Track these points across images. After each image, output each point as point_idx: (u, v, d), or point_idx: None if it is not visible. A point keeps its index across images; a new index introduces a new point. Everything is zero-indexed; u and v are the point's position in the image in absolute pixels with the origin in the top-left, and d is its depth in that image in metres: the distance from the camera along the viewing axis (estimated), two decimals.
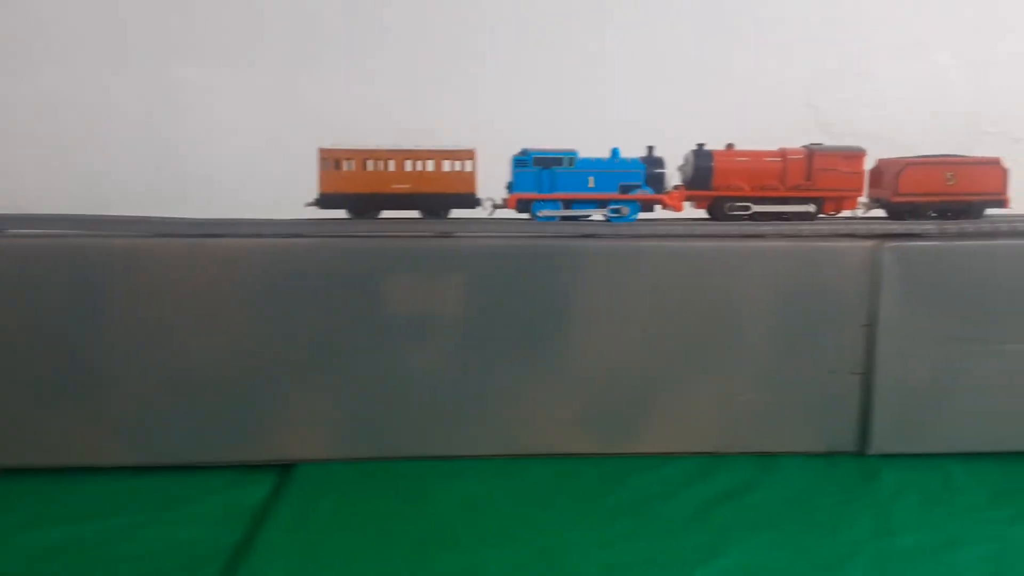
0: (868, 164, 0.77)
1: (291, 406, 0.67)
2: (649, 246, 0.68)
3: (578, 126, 1.11)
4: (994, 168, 0.74)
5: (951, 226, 0.70)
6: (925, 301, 0.68)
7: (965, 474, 0.66)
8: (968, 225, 0.71)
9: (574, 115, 1.13)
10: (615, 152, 0.73)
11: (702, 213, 0.76)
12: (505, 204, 0.72)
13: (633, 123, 1.11)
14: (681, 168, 0.75)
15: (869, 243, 0.68)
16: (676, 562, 0.53)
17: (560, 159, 0.71)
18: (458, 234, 0.68)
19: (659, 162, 0.73)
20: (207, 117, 1.09)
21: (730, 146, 0.75)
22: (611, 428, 0.70)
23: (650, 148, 0.74)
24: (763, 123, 1.13)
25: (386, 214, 0.73)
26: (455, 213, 0.73)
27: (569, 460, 0.68)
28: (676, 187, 0.74)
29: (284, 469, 0.66)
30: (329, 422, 0.67)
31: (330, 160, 0.71)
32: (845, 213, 0.75)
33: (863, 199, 0.76)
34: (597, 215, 0.72)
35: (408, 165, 0.71)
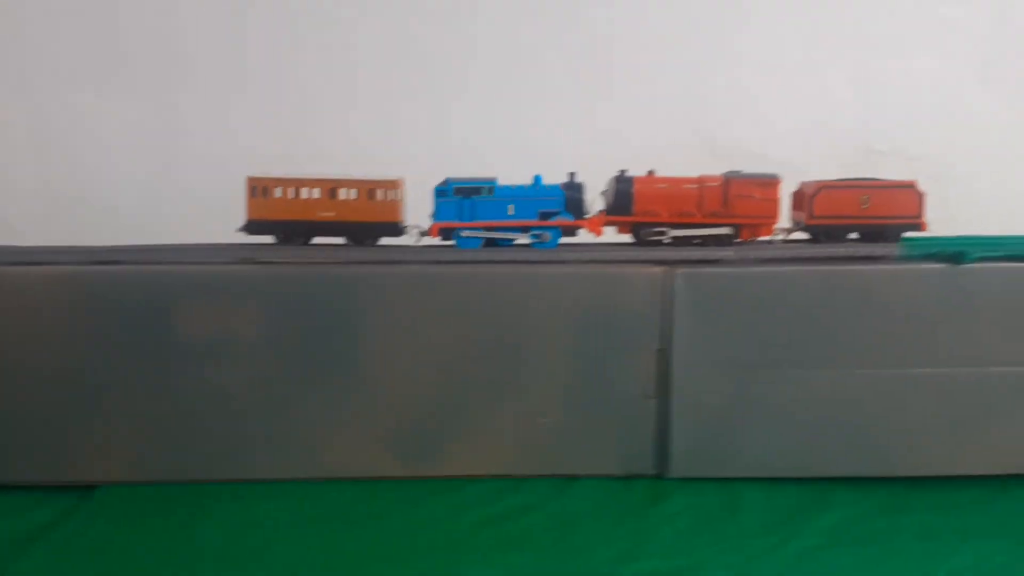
0: (786, 190, 0.78)
1: (94, 428, 0.69)
2: (446, 271, 0.70)
3: (504, 151, 1.14)
4: (910, 191, 0.75)
5: (750, 252, 0.71)
6: (718, 326, 0.70)
7: (754, 499, 0.68)
8: (766, 251, 0.71)
9: (498, 141, 1.15)
10: (537, 179, 0.75)
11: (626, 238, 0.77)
12: (429, 232, 0.74)
13: (542, 149, 1.14)
14: (603, 194, 0.77)
15: (660, 269, 0.69)
16: None
17: (479, 188, 0.74)
18: (259, 259, 0.70)
19: (579, 188, 0.75)
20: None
21: (651, 172, 0.77)
22: (415, 451, 0.71)
23: (571, 175, 0.76)
24: (653, 147, 1.15)
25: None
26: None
27: (371, 484, 0.70)
28: (601, 212, 0.76)
29: (87, 491, 0.68)
30: (132, 445, 0.69)
31: (258, 188, 0.73)
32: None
33: (785, 224, 0.77)
34: (521, 240, 0.74)
35: (334, 194, 0.73)
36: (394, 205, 0.73)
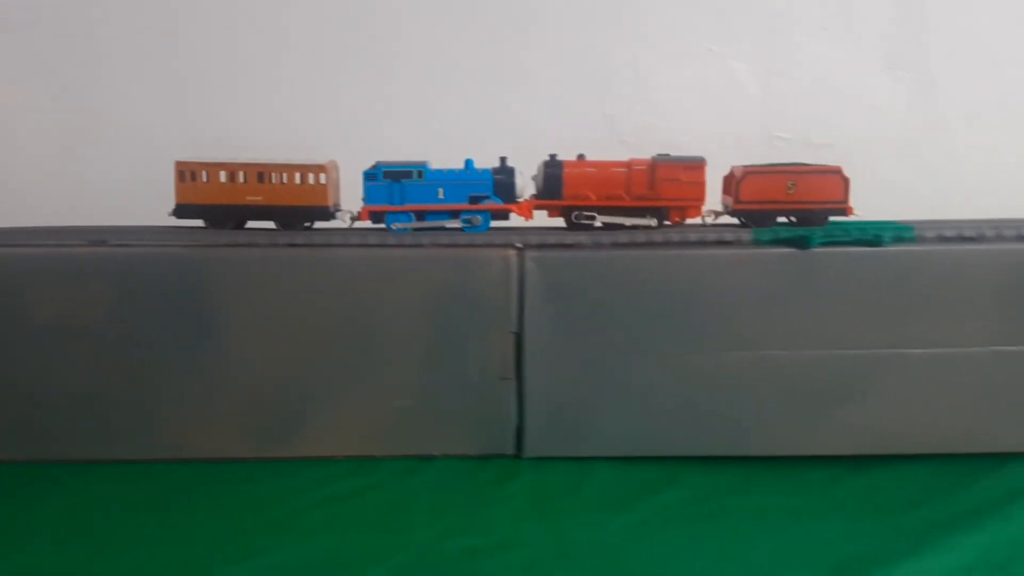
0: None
1: None
2: (300, 255, 0.70)
3: (406, 135, 1.14)
4: (835, 177, 0.75)
5: (605, 237, 0.72)
6: (570, 309, 0.71)
7: (602, 478, 0.69)
8: (623, 236, 0.72)
9: (398, 126, 1.15)
10: (468, 163, 0.75)
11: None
12: (359, 216, 0.74)
13: (447, 134, 1.15)
14: (535, 178, 0.77)
15: (511, 252, 0.70)
16: (210, 563, 0.55)
17: (410, 172, 0.74)
18: (112, 242, 0.70)
19: (510, 172, 0.75)
20: None
21: (581, 157, 0.77)
22: (268, 433, 0.72)
23: (502, 159, 0.76)
24: (559, 132, 1.16)
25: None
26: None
27: (220, 465, 0.70)
28: (533, 196, 0.77)
29: None
30: None
31: (186, 172, 0.73)
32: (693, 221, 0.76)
33: (715, 207, 0.77)
34: (452, 224, 0.74)
35: (261, 178, 0.73)
36: (323, 189, 0.73)
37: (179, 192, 0.73)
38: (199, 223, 0.74)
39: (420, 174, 0.74)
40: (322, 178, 0.73)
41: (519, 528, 0.59)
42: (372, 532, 0.59)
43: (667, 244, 0.72)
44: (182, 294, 0.70)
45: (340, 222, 0.76)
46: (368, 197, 0.74)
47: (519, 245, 0.71)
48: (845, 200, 0.75)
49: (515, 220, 0.76)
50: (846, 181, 0.75)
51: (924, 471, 0.70)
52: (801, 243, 0.70)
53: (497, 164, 0.76)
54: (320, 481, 0.67)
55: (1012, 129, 1.17)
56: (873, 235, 0.70)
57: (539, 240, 0.72)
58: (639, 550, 0.57)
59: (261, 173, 0.73)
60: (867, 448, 0.73)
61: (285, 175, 0.73)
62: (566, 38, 1.17)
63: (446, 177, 0.74)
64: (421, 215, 0.73)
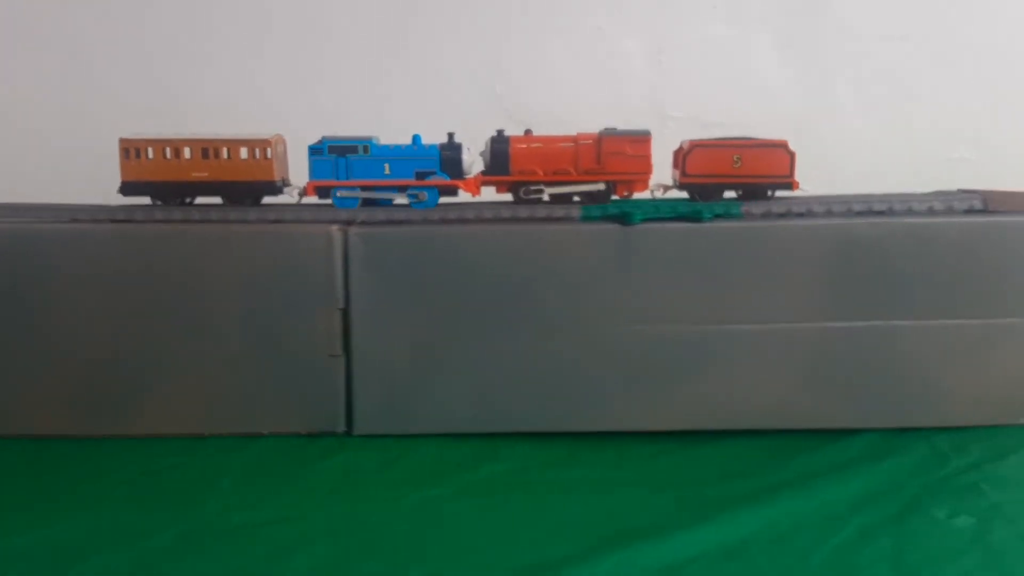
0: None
1: None
2: (128, 230, 0.70)
3: (295, 110, 1.14)
4: (780, 151, 0.75)
5: (434, 213, 0.72)
6: (397, 285, 0.71)
7: (424, 453, 0.69)
8: (452, 212, 0.72)
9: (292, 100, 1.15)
10: (416, 139, 0.75)
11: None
12: (305, 191, 0.74)
13: (338, 111, 1.14)
14: (483, 154, 0.77)
15: (336, 228, 0.69)
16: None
17: (355, 147, 0.73)
18: None
19: (457, 148, 0.75)
20: None
21: (528, 132, 0.77)
22: (100, 411, 0.72)
23: (450, 135, 0.76)
24: (452, 109, 1.16)
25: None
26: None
27: (55, 442, 0.70)
28: (481, 172, 0.76)
29: None
30: None
31: (131, 149, 0.73)
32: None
33: (664, 181, 0.78)
34: (399, 200, 0.74)
35: (206, 153, 0.73)
36: (267, 164, 0.73)
37: (124, 169, 0.73)
38: (146, 200, 0.74)
39: (366, 149, 0.73)
40: (267, 152, 0.73)
41: (312, 504, 0.60)
42: (164, 506, 0.59)
43: (496, 220, 0.72)
44: (9, 270, 0.69)
45: (288, 197, 0.76)
46: (314, 172, 0.74)
47: (345, 221, 0.71)
48: (790, 174, 0.75)
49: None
50: (791, 155, 0.75)
51: (750, 446, 0.70)
52: (625, 219, 0.70)
53: (435, 140, 0.75)
54: (140, 459, 0.67)
55: (902, 106, 1.18)
56: (695, 211, 0.71)
57: (367, 216, 0.72)
58: (418, 525, 0.57)
59: (205, 149, 0.73)
60: (697, 424, 0.73)
61: (229, 150, 0.73)
62: (456, 16, 1.16)
63: (392, 152, 0.74)
64: (368, 190, 0.73)
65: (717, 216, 0.71)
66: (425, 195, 0.73)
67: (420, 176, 0.73)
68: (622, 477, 0.65)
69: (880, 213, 0.72)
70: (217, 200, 0.75)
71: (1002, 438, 0.69)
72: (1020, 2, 1.16)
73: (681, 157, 0.76)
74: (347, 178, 0.73)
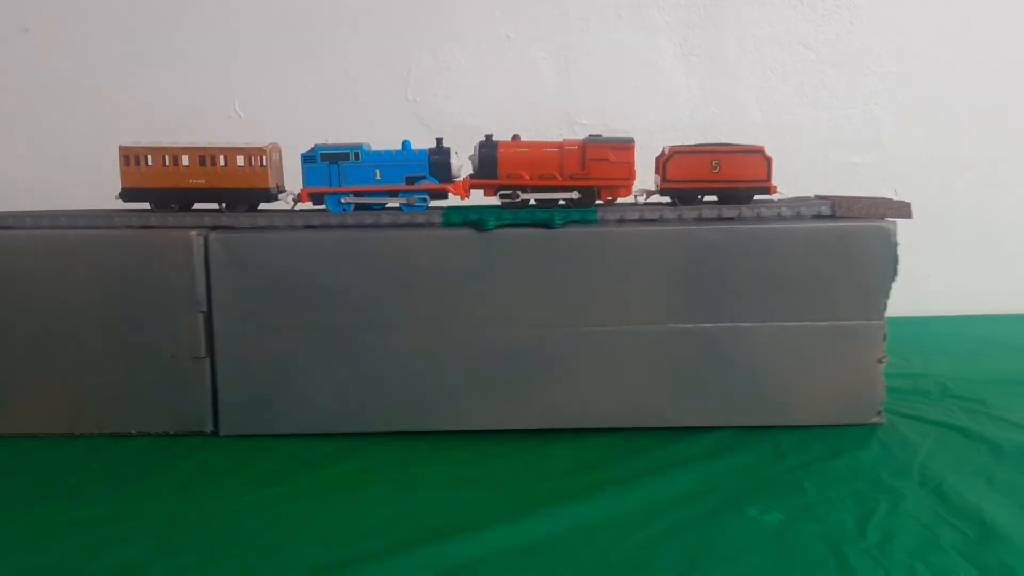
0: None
1: None
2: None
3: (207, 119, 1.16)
4: (757, 156, 0.77)
5: (299, 219, 0.74)
6: (259, 289, 0.73)
7: (281, 454, 0.71)
8: (315, 219, 0.74)
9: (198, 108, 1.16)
10: (405, 144, 0.77)
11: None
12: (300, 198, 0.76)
13: (250, 117, 1.16)
14: (472, 158, 0.79)
15: (195, 233, 0.71)
16: None
17: (346, 154, 0.75)
18: None
19: (446, 153, 0.77)
20: None
21: (516, 137, 0.79)
22: None
23: (439, 140, 0.78)
24: (363, 116, 1.18)
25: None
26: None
27: None
28: (470, 176, 0.78)
29: None
30: None
31: (131, 156, 0.75)
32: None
33: (648, 187, 0.79)
34: (392, 204, 0.76)
35: (203, 161, 0.75)
36: (263, 172, 0.75)
37: (124, 176, 0.76)
38: (146, 206, 0.77)
39: (357, 155, 0.75)
40: (262, 160, 0.76)
41: (151, 503, 0.61)
42: (9, 503, 0.61)
43: (356, 226, 0.74)
44: None
45: (284, 203, 0.78)
46: (307, 179, 0.76)
47: (207, 226, 0.73)
48: (768, 179, 0.77)
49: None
50: (768, 160, 0.77)
51: (602, 444, 0.72)
52: (479, 225, 0.72)
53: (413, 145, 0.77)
54: (7, 456, 0.69)
55: (804, 112, 1.20)
56: (547, 217, 0.73)
57: (230, 221, 0.74)
58: (243, 523, 0.58)
59: (203, 156, 0.76)
60: (554, 423, 0.75)
61: (225, 158, 0.76)
62: (365, 23, 1.18)
63: (383, 158, 0.76)
64: (361, 196, 0.75)
65: (573, 222, 0.74)
66: (415, 199, 0.75)
67: (410, 180, 0.76)
68: (467, 475, 0.67)
69: (729, 220, 0.74)
70: (214, 206, 0.77)
71: (844, 437, 0.71)
72: (919, 12, 1.19)
73: (662, 163, 0.78)
74: (339, 184, 0.75)
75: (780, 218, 0.74)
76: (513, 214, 0.73)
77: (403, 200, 0.75)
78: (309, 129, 1.09)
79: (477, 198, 0.80)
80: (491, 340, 0.73)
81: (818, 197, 0.80)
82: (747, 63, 1.18)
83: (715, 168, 0.76)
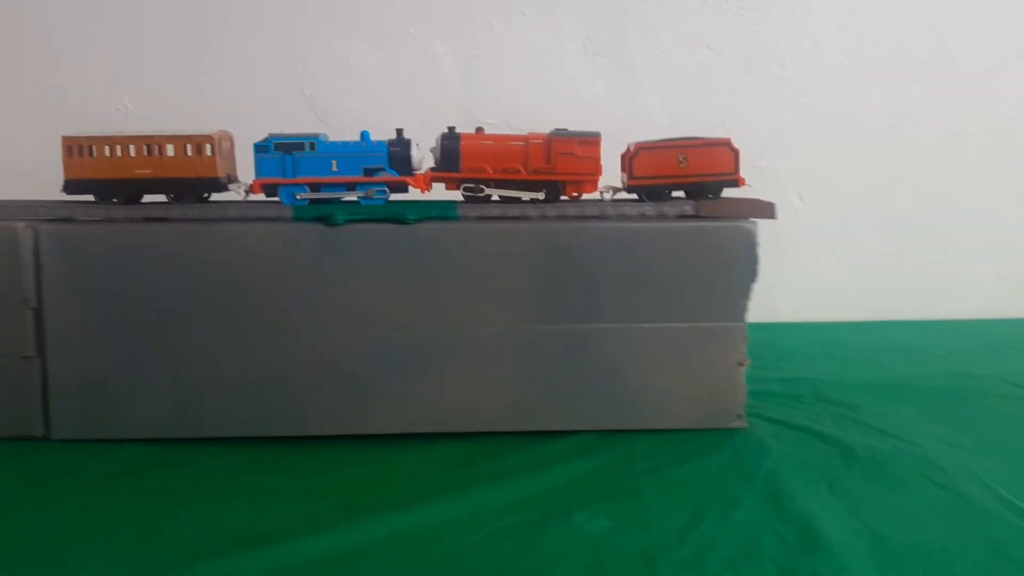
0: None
1: None
2: None
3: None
4: (724, 149, 0.75)
5: (138, 211, 0.70)
6: (95, 285, 0.69)
7: (118, 460, 0.67)
8: (156, 211, 0.70)
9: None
10: (364, 135, 0.73)
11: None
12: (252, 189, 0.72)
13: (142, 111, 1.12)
14: (433, 150, 0.75)
15: (22, 225, 0.68)
16: None
17: (301, 144, 0.72)
18: None
19: (406, 144, 0.73)
20: None
21: (479, 130, 0.76)
22: None
23: (399, 131, 0.74)
24: (260, 110, 1.14)
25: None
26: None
27: None
28: (431, 169, 0.75)
29: None
30: None
31: (74, 147, 0.71)
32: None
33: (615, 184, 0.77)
34: (349, 197, 0.72)
35: (150, 150, 0.71)
36: (211, 161, 0.72)
37: (67, 167, 0.71)
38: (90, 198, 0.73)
39: (313, 146, 0.72)
40: (210, 149, 0.72)
41: None
42: None
43: (200, 220, 0.71)
44: None
45: (235, 194, 0.74)
46: (260, 170, 0.72)
47: (39, 218, 0.69)
48: (735, 171, 0.75)
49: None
50: (735, 152, 0.75)
51: (454, 450, 0.69)
52: (328, 220, 0.69)
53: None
54: None
55: (709, 114, 1.19)
56: (399, 213, 0.70)
57: (66, 214, 0.70)
58: (39, 532, 0.55)
59: (149, 145, 0.72)
60: (410, 427, 0.72)
61: (173, 147, 0.72)
62: (263, 18, 1.15)
63: (340, 149, 0.72)
64: (317, 188, 0.72)
65: (432, 218, 0.71)
66: (373, 192, 0.72)
67: (368, 173, 0.72)
68: (303, 484, 0.63)
69: (592, 218, 0.72)
70: (162, 198, 0.73)
71: (700, 442, 0.69)
72: (825, 14, 1.19)
73: (627, 160, 0.75)
74: (294, 175, 0.72)
75: (643, 217, 0.72)
76: (367, 208, 0.70)
77: (361, 193, 0.71)
78: (202, 123, 1.04)
79: (439, 192, 0.76)
80: (343, 341, 0.70)
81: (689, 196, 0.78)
82: (652, 65, 1.17)
83: (682, 163, 0.74)
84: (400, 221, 0.70)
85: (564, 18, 1.16)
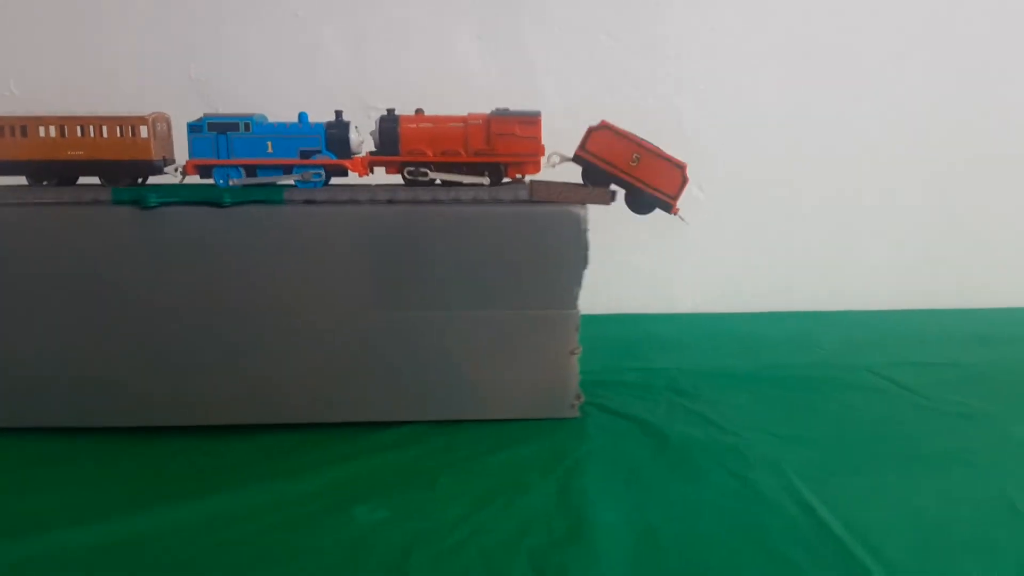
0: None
1: None
2: None
3: None
4: (677, 172, 0.72)
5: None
6: None
7: None
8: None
9: None
10: (302, 116, 0.72)
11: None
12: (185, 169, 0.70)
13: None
14: (373, 133, 0.73)
15: None
16: None
17: (236, 124, 0.70)
18: None
19: (344, 127, 0.71)
20: None
21: (419, 111, 0.74)
22: None
23: (338, 113, 0.72)
24: (148, 92, 1.12)
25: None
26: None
27: None
28: (371, 152, 0.73)
29: None
30: None
31: (4, 127, 0.69)
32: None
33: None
34: (285, 180, 0.70)
35: (83, 131, 0.70)
36: (146, 143, 0.70)
37: None
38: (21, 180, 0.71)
39: (247, 126, 0.70)
40: (143, 131, 0.70)
41: None
42: None
43: (18, 204, 0.68)
44: None
45: (172, 177, 0.72)
46: (193, 150, 0.70)
47: None
48: (675, 196, 0.72)
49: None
50: (684, 180, 0.73)
51: (271, 441, 0.67)
52: (141, 203, 0.67)
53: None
54: None
55: (605, 98, 1.17)
56: (216, 196, 0.68)
57: None
58: None
59: (82, 126, 0.70)
60: (235, 418, 0.70)
61: (106, 128, 0.70)
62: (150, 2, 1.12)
63: (275, 130, 0.71)
64: (253, 170, 0.70)
65: (254, 201, 0.69)
66: (310, 174, 0.70)
67: (304, 155, 0.70)
68: (83, 475, 0.62)
69: (424, 203, 0.70)
70: (96, 180, 0.72)
71: (523, 432, 0.68)
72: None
73: (589, 131, 0.73)
74: (228, 156, 0.70)
75: (476, 202, 0.70)
76: (188, 190, 0.68)
77: (297, 176, 0.70)
78: (89, 107, 1.02)
79: (380, 176, 0.74)
80: (156, 329, 0.68)
81: (532, 182, 0.76)
82: (546, 48, 1.15)
83: (634, 161, 0.72)
84: (216, 204, 0.68)
85: (455, 0, 1.14)
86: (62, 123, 0.70)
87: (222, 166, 0.70)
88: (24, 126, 0.70)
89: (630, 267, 1.22)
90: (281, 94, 1.14)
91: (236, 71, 1.14)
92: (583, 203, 0.71)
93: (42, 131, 0.70)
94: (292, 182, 0.70)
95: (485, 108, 1.19)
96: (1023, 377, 0.84)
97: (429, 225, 0.69)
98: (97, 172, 0.72)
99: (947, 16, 1.18)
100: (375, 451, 0.65)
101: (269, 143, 0.71)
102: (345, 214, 0.70)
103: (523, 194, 0.71)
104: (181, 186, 0.70)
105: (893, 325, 1.10)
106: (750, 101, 1.19)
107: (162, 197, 0.67)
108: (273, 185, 0.70)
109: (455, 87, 1.16)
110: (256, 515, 0.54)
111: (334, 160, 0.71)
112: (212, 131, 0.70)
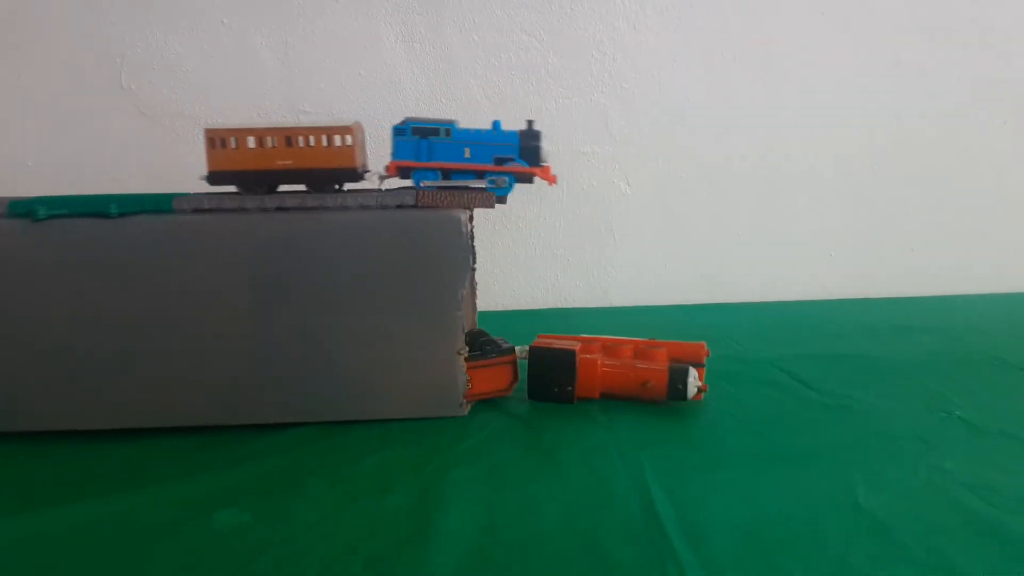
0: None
1: None
2: None
3: None
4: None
5: None
6: None
7: None
8: None
9: None
10: (496, 124, 0.74)
11: None
12: (387, 171, 0.73)
13: None
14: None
15: None
16: None
17: (437, 129, 0.72)
18: None
19: (536, 135, 0.73)
20: None
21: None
22: None
23: (529, 122, 0.74)
24: (80, 105, 1.13)
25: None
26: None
27: None
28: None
29: None
30: None
31: (216, 139, 0.72)
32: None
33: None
34: (477, 184, 0.73)
35: (290, 142, 0.72)
36: (348, 151, 0.73)
37: (211, 159, 0.73)
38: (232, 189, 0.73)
39: (448, 132, 0.73)
40: (348, 140, 0.73)
41: None
42: None
43: None
44: None
45: (369, 183, 0.75)
46: (396, 152, 0.73)
47: None
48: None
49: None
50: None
51: (173, 445, 0.69)
52: (31, 215, 0.69)
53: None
54: None
55: (530, 98, 1.18)
56: (102, 207, 0.69)
57: None
58: None
59: (289, 137, 0.73)
60: (125, 422, 0.72)
61: (312, 138, 0.73)
62: (75, 8, 1.13)
63: (473, 137, 0.73)
64: (447, 174, 0.73)
65: (145, 211, 0.70)
66: (504, 181, 0.73)
67: (499, 162, 0.73)
68: None
69: (311, 209, 0.72)
70: (301, 188, 0.74)
71: (410, 432, 0.69)
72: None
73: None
74: (428, 160, 0.73)
75: (362, 208, 0.72)
76: (77, 202, 0.69)
77: (490, 182, 0.73)
78: (26, 117, 1.04)
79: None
80: (51, 337, 0.70)
81: (404, 188, 0.77)
82: (469, 50, 1.16)
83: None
84: (103, 215, 0.69)
85: (379, 4, 1.15)
86: (271, 134, 0.73)
87: (421, 169, 0.73)
88: (234, 138, 0.73)
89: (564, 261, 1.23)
90: (212, 101, 1.15)
91: (166, 79, 1.14)
92: (469, 208, 0.72)
93: (252, 142, 0.73)
94: (483, 186, 0.73)
95: (415, 111, 1.21)
96: (928, 369, 0.85)
97: (316, 231, 0.71)
98: (303, 180, 0.74)
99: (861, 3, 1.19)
100: (261, 454, 0.66)
101: (467, 149, 0.74)
102: (233, 222, 0.71)
103: (409, 199, 0.73)
104: (70, 198, 0.71)
105: (818, 316, 1.11)
106: (674, 98, 1.20)
107: (52, 210, 0.69)
108: (163, 195, 0.72)
109: (383, 91, 1.17)
110: (119, 521, 0.56)
111: (526, 168, 0.74)
112: (415, 135, 0.73)
